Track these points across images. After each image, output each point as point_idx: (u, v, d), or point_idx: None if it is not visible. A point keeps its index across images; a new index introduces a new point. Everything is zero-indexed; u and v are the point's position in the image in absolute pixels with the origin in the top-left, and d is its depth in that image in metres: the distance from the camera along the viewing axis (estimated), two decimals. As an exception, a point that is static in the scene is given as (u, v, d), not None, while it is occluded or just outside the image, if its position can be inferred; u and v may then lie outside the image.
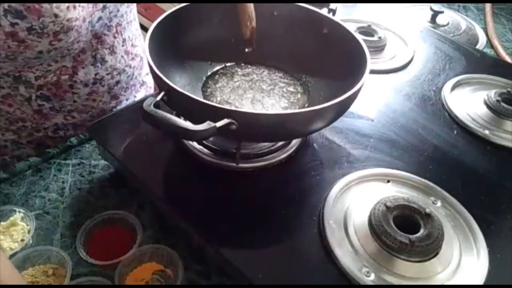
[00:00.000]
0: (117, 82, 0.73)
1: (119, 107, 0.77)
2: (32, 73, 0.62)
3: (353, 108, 0.59)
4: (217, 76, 0.68)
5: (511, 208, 0.58)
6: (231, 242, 0.50)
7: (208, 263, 0.54)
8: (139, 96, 0.82)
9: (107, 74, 0.70)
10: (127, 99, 0.80)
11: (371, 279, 0.47)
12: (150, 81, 0.86)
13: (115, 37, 0.69)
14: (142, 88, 0.84)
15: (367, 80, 0.53)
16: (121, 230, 0.56)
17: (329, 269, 0.47)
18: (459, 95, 0.78)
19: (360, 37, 0.60)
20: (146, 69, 0.84)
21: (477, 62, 0.88)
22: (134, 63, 0.76)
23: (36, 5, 0.52)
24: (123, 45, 0.72)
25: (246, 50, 0.67)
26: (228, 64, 0.70)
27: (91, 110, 0.72)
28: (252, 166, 0.58)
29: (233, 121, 0.46)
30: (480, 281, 0.48)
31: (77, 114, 0.71)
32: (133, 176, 0.60)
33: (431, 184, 0.58)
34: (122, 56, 0.72)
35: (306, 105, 0.64)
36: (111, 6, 0.64)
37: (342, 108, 0.54)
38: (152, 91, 0.87)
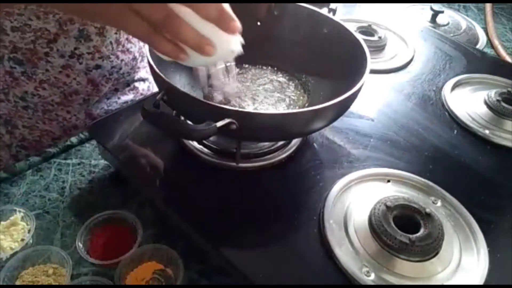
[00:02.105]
0: (98, 66, 0.71)
1: (98, 103, 0.77)
2: (10, 21, 0.61)
3: (353, 107, 0.59)
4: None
5: (511, 207, 0.58)
6: (231, 242, 0.50)
7: (208, 262, 0.54)
8: (124, 98, 0.81)
9: (88, 53, 0.68)
10: (108, 98, 0.78)
11: (371, 278, 0.47)
12: (143, 88, 0.84)
13: None
14: (131, 93, 0.82)
15: (367, 80, 0.53)
16: (121, 230, 0.56)
17: (329, 269, 0.47)
18: (459, 95, 0.78)
19: (360, 37, 0.60)
20: (140, 75, 0.83)
21: (477, 62, 0.88)
22: (124, 57, 0.75)
23: None
24: (115, 33, 0.71)
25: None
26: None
27: (63, 86, 0.70)
28: (252, 166, 0.58)
29: (233, 120, 0.46)
30: (480, 281, 0.48)
31: (48, 86, 0.69)
32: (133, 176, 0.60)
33: (431, 183, 0.58)
34: (111, 42, 0.71)
35: (306, 105, 0.64)
36: None
37: (342, 108, 0.54)
38: (142, 97, 0.84)
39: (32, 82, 0.68)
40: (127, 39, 0.74)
